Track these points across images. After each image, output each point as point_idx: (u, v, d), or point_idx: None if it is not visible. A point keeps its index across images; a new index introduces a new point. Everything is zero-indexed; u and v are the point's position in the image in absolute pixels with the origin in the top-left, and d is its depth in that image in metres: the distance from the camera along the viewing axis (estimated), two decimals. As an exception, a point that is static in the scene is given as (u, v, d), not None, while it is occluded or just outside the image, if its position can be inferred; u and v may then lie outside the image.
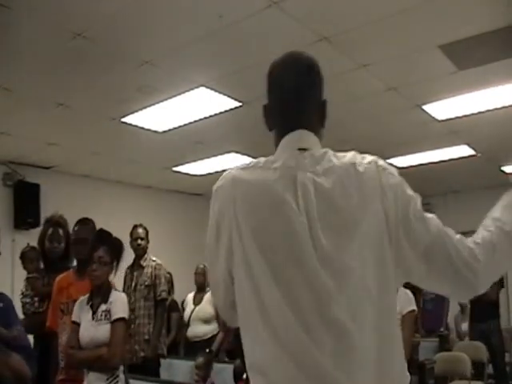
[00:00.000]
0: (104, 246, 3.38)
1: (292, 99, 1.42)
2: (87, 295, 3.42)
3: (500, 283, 6.46)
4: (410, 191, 1.39)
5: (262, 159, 1.37)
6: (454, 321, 8.28)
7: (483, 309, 6.30)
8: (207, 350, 5.27)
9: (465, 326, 7.23)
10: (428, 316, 7.17)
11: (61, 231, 4.12)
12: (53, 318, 3.70)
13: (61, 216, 4.28)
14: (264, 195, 1.30)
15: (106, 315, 3.28)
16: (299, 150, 1.35)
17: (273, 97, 1.46)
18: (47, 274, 4.10)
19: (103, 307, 3.31)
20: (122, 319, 3.30)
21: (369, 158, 1.37)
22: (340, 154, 1.38)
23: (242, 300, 1.32)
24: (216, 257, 1.37)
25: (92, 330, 3.24)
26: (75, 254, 3.86)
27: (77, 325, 3.32)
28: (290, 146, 1.37)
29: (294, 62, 1.45)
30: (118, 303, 3.34)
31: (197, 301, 6.02)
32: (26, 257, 4.53)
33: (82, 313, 3.35)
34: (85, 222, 3.87)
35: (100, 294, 3.37)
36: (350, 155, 1.37)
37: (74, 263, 3.94)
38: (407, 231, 1.33)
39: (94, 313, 3.30)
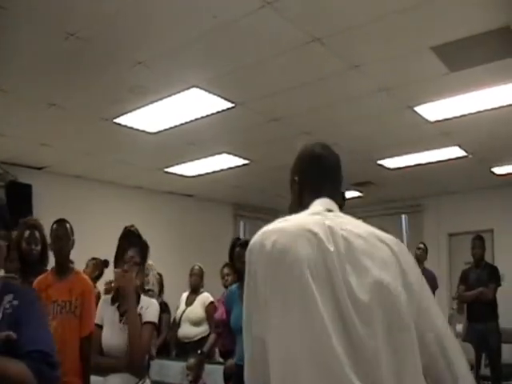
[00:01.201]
0: (134, 246, 3.27)
1: (328, 177, 1.66)
2: (110, 295, 3.32)
3: (497, 281, 6.45)
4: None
5: (292, 215, 1.52)
6: (448, 321, 8.30)
7: (480, 309, 6.29)
8: (199, 352, 5.27)
9: (459, 327, 7.23)
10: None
11: (37, 233, 4.09)
12: None
13: (36, 219, 4.28)
14: (299, 232, 1.40)
15: None
16: (327, 209, 1.54)
17: (306, 175, 1.67)
18: (23, 276, 4.07)
19: None
20: (151, 323, 3.18)
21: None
22: (359, 221, 1.55)
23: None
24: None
25: (119, 333, 3.08)
26: (56, 252, 3.81)
27: (99, 327, 3.18)
28: (320, 205, 1.56)
29: (331, 153, 1.69)
30: (151, 309, 3.21)
31: (189, 302, 6.00)
32: (8, 256, 4.49)
33: (105, 314, 3.21)
34: (62, 221, 3.86)
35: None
36: (370, 226, 1.53)
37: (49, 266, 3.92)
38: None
39: (121, 315, 3.16)
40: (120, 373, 2.99)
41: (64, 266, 3.77)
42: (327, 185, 1.63)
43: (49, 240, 3.91)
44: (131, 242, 3.28)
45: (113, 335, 3.09)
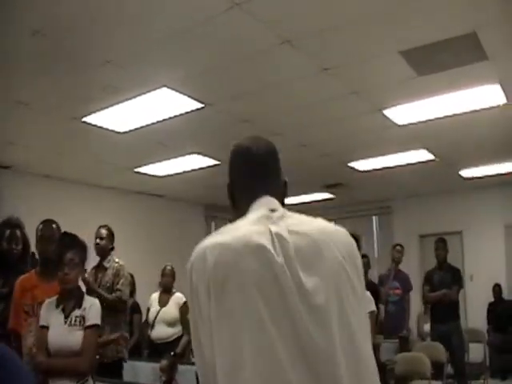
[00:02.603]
0: (72, 248, 3.35)
1: (261, 174, 1.52)
2: (54, 298, 3.35)
3: (460, 283, 6.57)
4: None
5: (235, 223, 1.42)
6: (417, 321, 8.41)
7: (443, 310, 6.40)
8: (172, 353, 5.24)
9: (427, 327, 7.34)
10: (390, 318, 7.25)
11: (18, 233, 4.07)
12: (16, 320, 3.64)
13: (18, 218, 4.22)
14: (243, 247, 1.30)
15: (80, 321, 3.22)
16: (270, 210, 1.42)
17: (239, 173, 1.56)
18: (3, 277, 4.02)
19: (77, 312, 3.24)
20: (95, 326, 3.27)
21: (333, 224, 1.46)
22: (305, 216, 1.46)
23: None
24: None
25: (64, 335, 3.17)
26: (41, 253, 3.81)
27: (45, 329, 3.23)
28: (261, 207, 1.44)
29: (259, 144, 1.56)
30: (93, 310, 3.30)
31: (162, 302, 5.96)
32: None
33: (50, 316, 3.27)
34: (49, 221, 3.86)
35: (72, 297, 3.31)
36: (317, 219, 1.45)
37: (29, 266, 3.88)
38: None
39: (65, 317, 3.23)
40: (66, 376, 3.10)
41: (49, 267, 3.72)
42: (262, 181, 1.51)
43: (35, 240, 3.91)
44: (68, 245, 3.37)
45: (59, 337, 3.17)
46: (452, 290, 6.42)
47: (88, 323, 3.22)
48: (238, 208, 1.53)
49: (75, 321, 3.22)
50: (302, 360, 1.23)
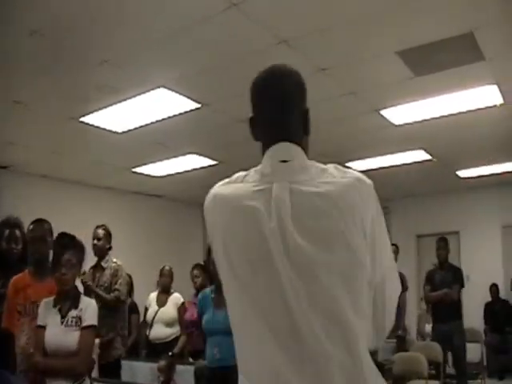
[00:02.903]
0: (70, 248, 3.34)
1: (276, 110, 1.43)
2: (52, 298, 3.35)
3: (461, 283, 6.56)
4: (382, 217, 1.44)
5: (243, 173, 1.41)
6: (418, 321, 8.41)
7: (445, 310, 6.37)
8: (170, 354, 5.25)
9: (428, 327, 7.32)
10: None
11: (18, 232, 4.05)
12: (9, 320, 3.63)
13: (17, 218, 4.21)
14: (237, 207, 1.33)
15: (76, 322, 3.21)
16: (281, 161, 1.37)
17: (257, 109, 1.48)
18: (3, 276, 4.02)
19: (73, 313, 3.24)
20: (92, 326, 3.26)
21: (351, 171, 1.39)
22: (321, 165, 1.39)
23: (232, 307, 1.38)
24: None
25: (61, 335, 3.17)
26: (32, 254, 3.79)
27: (42, 328, 3.23)
28: (272, 158, 1.39)
29: (277, 74, 1.48)
30: (90, 310, 3.29)
31: (161, 302, 5.96)
32: None
33: (48, 316, 3.26)
34: (40, 221, 3.84)
35: (69, 298, 3.30)
36: (331, 167, 1.38)
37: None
38: (373, 257, 1.35)
39: (62, 317, 3.23)
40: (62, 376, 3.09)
41: (42, 267, 3.73)
42: (280, 118, 1.43)
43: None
44: (65, 246, 3.36)
45: (56, 337, 3.17)
46: (453, 290, 6.40)
47: (84, 324, 3.21)
48: (260, 143, 1.47)
49: (72, 321, 3.22)
50: (286, 316, 1.24)
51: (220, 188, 1.42)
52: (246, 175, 1.40)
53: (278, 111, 1.43)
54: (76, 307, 3.27)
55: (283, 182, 1.32)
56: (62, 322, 3.21)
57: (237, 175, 1.42)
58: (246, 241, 1.30)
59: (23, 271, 3.81)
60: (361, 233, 1.31)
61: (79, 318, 3.22)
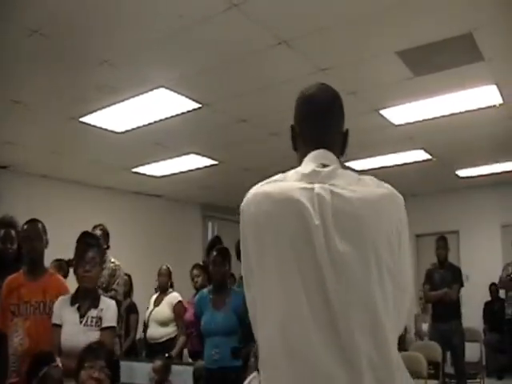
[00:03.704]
0: (94, 247, 3.33)
1: (320, 125, 1.53)
2: (68, 295, 3.32)
3: (460, 282, 6.57)
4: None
5: (282, 175, 1.47)
6: (415, 320, 8.43)
7: (444, 309, 6.38)
8: (166, 355, 5.24)
9: (425, 326, 7.34)
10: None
11: (13, 232, 4.04)
12: (2, 320, 3.62)
13: (12, 217, 4.20)
14: (284, 200, 1.37)
15: (96, 322, 3.18)
16: (321, 165, 1.44)
17: (301, 121, 1.57)
18: None
19: (93, 313, 3.21)
20: (112, 328, 3.24)
21: (386, 184, 1.48)
22: (357, 175, 1.47)
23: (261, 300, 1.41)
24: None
25: (79, 334, 3.11)
26: (28, 252, 3.76)
27: (58, 327, 3.20)
28: (313, 161, 1.46)
29: (324, 92, 1.57)
30: (111, 311, 3.27)
31: (157, 302, 5.97)
32: None
33: (64, 314, 3.23)
34: (34, 221, 3.81)
35: (89, 297, 3.27)
36: (367, 177, 1.47)
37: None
38: (400, 269, 1.42)
39: (81, 316, 3.19)
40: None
41: (36, 267, 3.71)
42: (321, 131, 1.53)
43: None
44: (89, 244, 3.35)
45: (72, 336, 3.11)
46: (453, 289, 6.41)
47: (105, 324, 3.18)
48: (298, 152, 1.56)
49: (91, 321, 3.18)
50: (325, 314, 1.29)
51: (261, 187, 1.46)
52: (285, 176, 1.45)
53: (322, 126, 1.53)
54: (96, 307, 3.23)
55: (324, 183, 1.37)
56: (81, 321, 3.17)
57: (276, 176, 1.47)
58: (294, 233, 1.34)
59: (18, 270, 3.79)
60: (395, 240, 1.39)
61: (99, 319, 3.18)
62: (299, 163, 1.50)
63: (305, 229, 1.32)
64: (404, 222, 1.45)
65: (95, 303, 3.25)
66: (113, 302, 3.42)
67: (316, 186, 1.36)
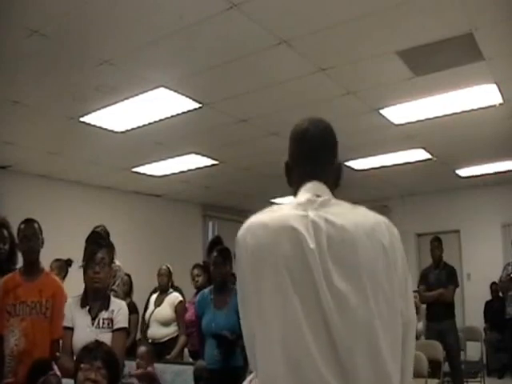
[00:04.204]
0: (103, 247, 3.28)
1: (314, 160, 1.56)
2: (77, 297, 3.29)
3: (455, 283, 6.59)
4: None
5: (278, 206, 1.50)
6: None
7: (438, 309, 6.42)
8: (167, 357, 5.22)
9: (420, 326, 7.35)
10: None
11: (5, 232, 4.01)
12: None
13: (4, 217, 4.18)
14: (280, 227, 1.39)
15: (108, 323, 3.16)
16: (315, 195, 1.48)
17: (295, 156, 1.60)
18: None
19: (104, 314, 3.18)
20: (124, 329, 3.22)
21: (376, 214, 1.48)
22: (349, 204, 1.48)
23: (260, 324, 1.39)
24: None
25: (92, 337, 3.01)
26: (25, 253, 3.73)
27: (70, 330, 3.17)
28: (307, 192, 1.50)
29: (318, 126, 1.59)
30: (122, 312, 3.24)
31: (158, 302, 5.97)
32: None
33: (75, 317, 3.20)
34: (30, 220, 3.79)
35: (99, 298, 3.24)
36: (361, 207, 1.48)
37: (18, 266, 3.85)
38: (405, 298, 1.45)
39: (93, 318, 3.17)
40: None
41: (33, 267, 3.70)
42: (315, 165, 1.55)
43: (17, 240, 3.85)
44: (100, 244, 3.30)
45: (86, 339, 3.02)
46: (448, 290, 6.43)
47: (117, 326, 3.16)
48: (292, 186, 1.60)
49: (103, 323, 3.16)
50: (326, 336, 1.29)
51: (256, 217, 1.47)
52: (279, 206, 1.49)
53: (316, 162, 1.56)
54: (107, 309, 3.21)
55: (318, 211, 1.40)
56: (93, 324, 3.15)
57: (269, 208, 1.49)
58: (289, 257, 1.35)
59: (11, 271, 3.78)
60: (392, 267, 1.40)
61: (111, 320, 3.16)
62: (294, 196, 1.53)
63: (301, 253, 1.34)
64: (401, 249, 1.47)
65: (106, 305, 3.22)
66: (123, 303, 3.40)
67: (310, 213, 1.39)
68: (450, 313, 6.50)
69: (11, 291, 3.58)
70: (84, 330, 3.13)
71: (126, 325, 3.25)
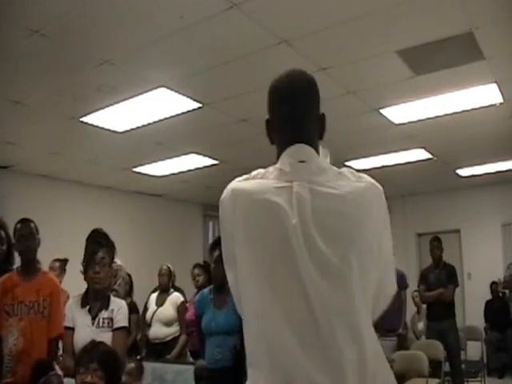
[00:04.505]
0: (103, 246, 3.27)
1: (293, 114, 1.47)
2: (78, 297, 3.29)
3: (455, 282, 6.59)
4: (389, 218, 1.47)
5: (262, 170, 1.44)
6: (411, 320, 8.44)
7: (439, 308, 6.42)
8: (167, 357, 5.22)
9: (420, 325, 7.35)
10: (385, 315, 7.26)
11: (2, 233, 4.01)
12: None
13: (1, 218, 4.19)
14: (260, 201, 1.36)
15: (108, 323, 3.16)
16: (299, 162, 1.41)
17: (274, 111, 1.52)
18: None
19: (104, 314, 3.19)
20: (124, 328, 3.22)
21: (365, 176, 1.45)
22: (336, 169, 1.44)
23: (245, 302, 1.40)
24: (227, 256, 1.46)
25: (92, 337, 3.01)
26: (22, 252, 3.71)
27: (71, 330, 3.17)
28: (291, 157, 1.43)
29: (295, 79, 1.52)
30: (122, 311, 3.24)
31: (159, 302, 5.98)
32: None
33: (76, 317, 3.20)
34: (27, 220, 3.78)
35: (99, 298, 3.24)
36: (346, 171, 1.44)
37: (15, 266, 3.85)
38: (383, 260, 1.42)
39: (93, 318, 3.17)
40: None
41: (30, 266, 3.69)
42: (299, 124, 1.47)
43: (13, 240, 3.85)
44: (100, 243, 3.29)
45: (86, 339, 3.03)
46: (448, 290, 6.43)
47: (117, 325, 3.16)
48: (276, 146, 1.52)
49: (103, 322, 3.16)
50: (305, 308, 1.28)
51: (239, 183, 1.44)
52: (265, 172, 1.43)
53: (295, 113, 1.48)
54: (107, 308, 3.21)
55: (303, 181, 1.35)
56: (93, 323, 3.15)
57: (256, 172, 1.45)
58: (269, 234, 1.33)
59: (8, 271, 3.77)
60: (375, 233, 1.38)
61: (111, 320, 3.16)
62: (277, 157, 1.48)
63: (281, 229, 1.31)
64: (385, 210, 1.44)
65: (106, 304, 3.22)
66: (123, 302, 3.40)
67: (294, 184, 1.35)
68: (450, 312, 6.50)
69: (9, 291, 3.57)
70: (84, 329, 3.13)
71: (126, 324, 3.25)
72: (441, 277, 6.50)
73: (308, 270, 1.28)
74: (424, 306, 7.11)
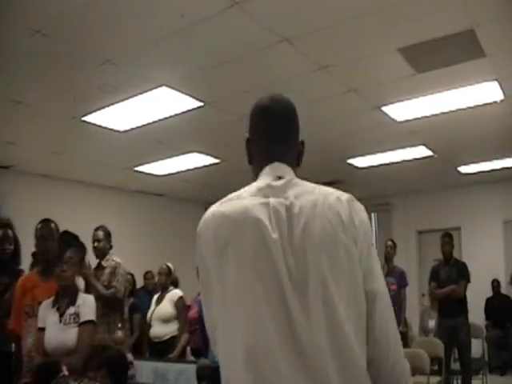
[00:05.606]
0: (72, 246, 3.39)
1: (273, 132, 1.51)
2: (52, 298, 3.35)
3: (467, 278, 6.56)
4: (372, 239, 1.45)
5: (239, 192, 1.45)
6: (421, 317, 8.42)
7: (451, 305, 6.38)
8: (170, 356, 5.21)
9: (432, 323, 7.31)
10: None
11: (10, 232, 4.05)
12: (16, 321, 3.63)
13: (8, 218, 4.23)
14: (241, 220, 1.35)
15: (74, 318, 3.22)
16: (276, 177, 1.44)
17: (255, 131, 1.56)
18: None
19: (71, 310, 3.25)
20: (90, 322, 3.26)
21: (338, 192, 1.44)
22: (311, 184, 1.45)
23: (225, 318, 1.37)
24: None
25: (60, 334, 3.17)
26: (42, 252, 3.80)
27: (42, 330, 3.24)
28: (267, 175, 1.46)
29: (278, 104, 1.54)
30: (87, 305, 3.31)
31: (159, 301, 5.99)
32: None
33: (47, 317, 3.27)
34: (48, 221, 3.85)
35: (67, 295, 3.31)
36: (321, 186, 1.45)
37: (21, 266, 3.88)
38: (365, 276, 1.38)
39: (60, 315, 3.24)
40: None
41: (50, 267, 3.72)
42: (276, 143, 1.51)
43: (34, 240, 3.89)
44: (69, 243, 3.42)
45: (55, 336, 3.17)
46: (460, 286, 6.41)
47: (82, 319, 3.22)
48: (254, 166, 1.56)
49: (70, 318, 3.23)
50: (289, 330, 1.27)
51: (216, 208, 1.43)
52: (241, 192, 1.44)
53: (275, 132, 1.51)
54: (73, 304, 3.28)
55: (279, 197, 1.37)
56: (61, 321, 3.22)
57: (231, 195, 1.45)
58: (253, 249, 1.32)
59: (15, 271, 3.83)
60: (352, 242, 1.35)
61: (77, 315, 3.23)
62: (255, 177, 1.50)
63: (263, 244, 1.31)
64: (362, 225, 1.40)
65: (73, 300, 3.30)
66: (90, 297, 3.47)
67: (271, 199, 1.36)
68: (462, 309, 6.46)
69: (29, 292, 3.62)
70: (52, 327, 3.23)
71: (93, 317, 3.30)
72: (452, 273, 6.46)
73: (288, 285, 1.29)
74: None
